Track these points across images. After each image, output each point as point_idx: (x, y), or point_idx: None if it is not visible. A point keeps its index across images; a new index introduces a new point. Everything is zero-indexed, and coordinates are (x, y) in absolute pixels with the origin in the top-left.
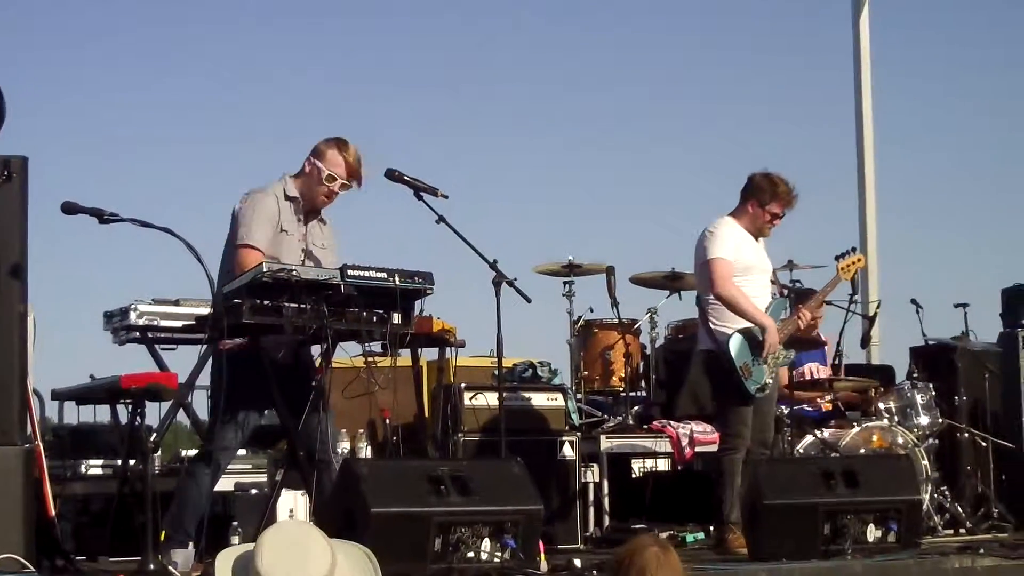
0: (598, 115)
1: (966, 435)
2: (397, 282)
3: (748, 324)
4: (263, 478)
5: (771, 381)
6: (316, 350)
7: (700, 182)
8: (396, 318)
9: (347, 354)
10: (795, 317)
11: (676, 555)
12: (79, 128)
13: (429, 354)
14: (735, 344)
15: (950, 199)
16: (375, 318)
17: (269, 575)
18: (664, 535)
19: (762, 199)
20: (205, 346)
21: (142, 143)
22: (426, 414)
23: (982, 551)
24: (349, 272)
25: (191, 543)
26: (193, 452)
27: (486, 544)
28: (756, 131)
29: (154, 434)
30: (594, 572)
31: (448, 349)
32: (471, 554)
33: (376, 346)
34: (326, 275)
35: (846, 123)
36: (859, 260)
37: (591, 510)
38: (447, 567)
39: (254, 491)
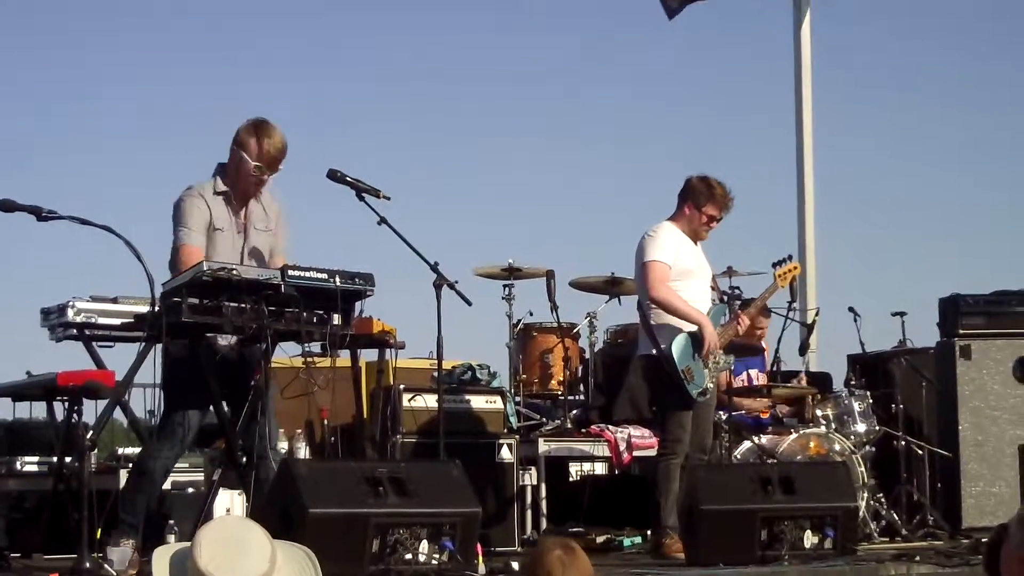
0: (541, 118)
1: (903, 443)
2: (338, 283)
3: (691, 328)
4: (200, 477)
5: (711, 386)
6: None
7: (640, 186)
8: (336, 319)
9: (286, 354)
10: (734, 323)
11: (584, 557)
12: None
13: (369, 355)
14: (677, 347)
15: (890, 208)
16: (315, 319)
17: (207, 570)
18: (601, 539)
19: (698, 201)
20: (143, 344)
21: (83, 140)
22: (365, 415)
23: (917, 558)
24: (290, 272)
25: (136, 536)
26: (130, 450)
27: (424, 546)
28: (697, 137)
29: (91, 432)
30: None
31: (388, 350)
32: (409, 556)
33: (316, 346)
34: (267, 275)
35: (786, 130)
36: (795, 268)
37: (528, 513)
38: (384, 569)
39: (191, 490)
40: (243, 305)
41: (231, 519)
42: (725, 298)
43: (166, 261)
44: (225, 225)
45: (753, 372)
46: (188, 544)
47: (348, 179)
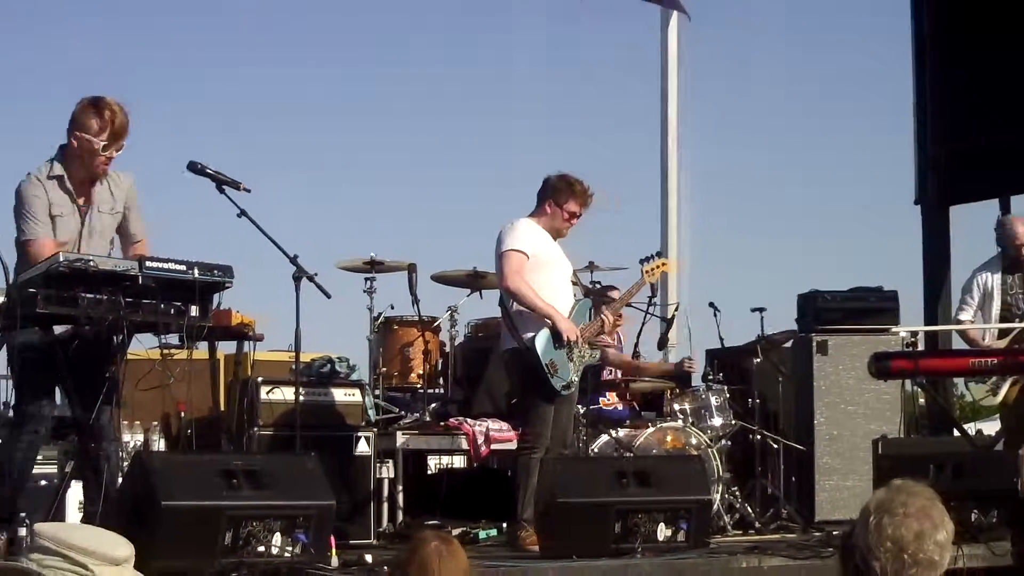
0: (404, 113)
1: (758, 437)
2: (196, 275)
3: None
4: (53, 469)
5: (575, 379)
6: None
7: (503, 182)
8: (194, 311)
9: (143, 346)
10: (599, 318)
11: (461, 549)
12: None
13: (227, 347)
14: (542, 341)
15: (752, 206)
16: (173, 310)
17: None
18: (457, 532)
19: (559, 199)
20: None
21: None
22: (222, 408)
23: (769, 551)
24: (147, 264)
25: None
26: None
27: (277, 538)
28: (561, 134)
29: None
30: (384, 568)
31: (246, 343)
32: (262, 548)
33: (173, 338)
34: (124, 266)
35: (651, 127)
36: (664, 264)
37: (385, 506)
38: (237, 561)
39: (43, 482)
40: (100, 296)
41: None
42: (589, 293)
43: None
44: (64, 210)
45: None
46: None
47: (208, 171)
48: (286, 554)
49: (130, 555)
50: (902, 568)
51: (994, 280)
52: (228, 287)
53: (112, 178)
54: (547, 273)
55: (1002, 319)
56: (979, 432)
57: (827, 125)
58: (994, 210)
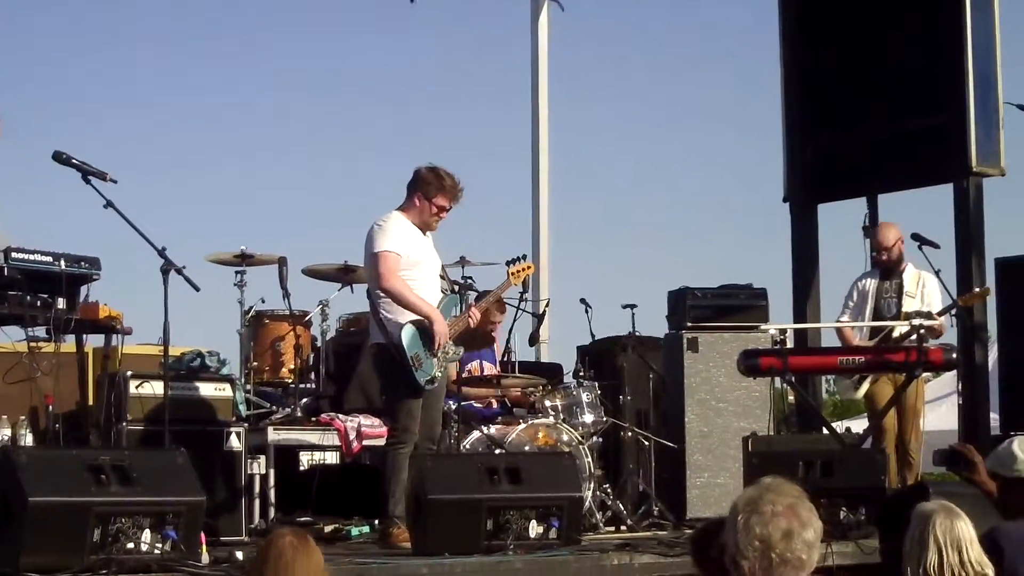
0: (274, 106)
1: (630, 434)
2: (63, 266)
3: (419, 317)
4: None
5: (440, 375)
6: None
7: (373, 175)
8: (61, 303)
9: (9, 338)
10: (466, 315)
11: (314, 545)
12: None
13: (95, 341)
14: (407, 335)
15: (623, 204)
16: (39, 302)
17: None
18: (329, 529)
19: (428, 192)
20: None
21: None
22: (90, 402)
23: (641, 548)
24: (13, 255)
25: None
26: None
27: (147, 535)
28: (432, 128)
29: None
30: (242, 567)
31: (114, 336)
32: (131, 545)
33: (40, 331)
34: None
35: (523, 125)
36: (529, 267)
37: (256, 502)
38: (106, 558)
39: None
40: None
41: None
42: (457, 288)
43: None
44: None
45: (485, 363)
46: None
47: (74, 161)
48: (156, 551)
49: None
50: (770, 567)
51: (871, 285)
52: (96, 279)
53: None
54: (417, 270)
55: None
56: (847, 430)
57: (701, 122)
58: (863, 208)
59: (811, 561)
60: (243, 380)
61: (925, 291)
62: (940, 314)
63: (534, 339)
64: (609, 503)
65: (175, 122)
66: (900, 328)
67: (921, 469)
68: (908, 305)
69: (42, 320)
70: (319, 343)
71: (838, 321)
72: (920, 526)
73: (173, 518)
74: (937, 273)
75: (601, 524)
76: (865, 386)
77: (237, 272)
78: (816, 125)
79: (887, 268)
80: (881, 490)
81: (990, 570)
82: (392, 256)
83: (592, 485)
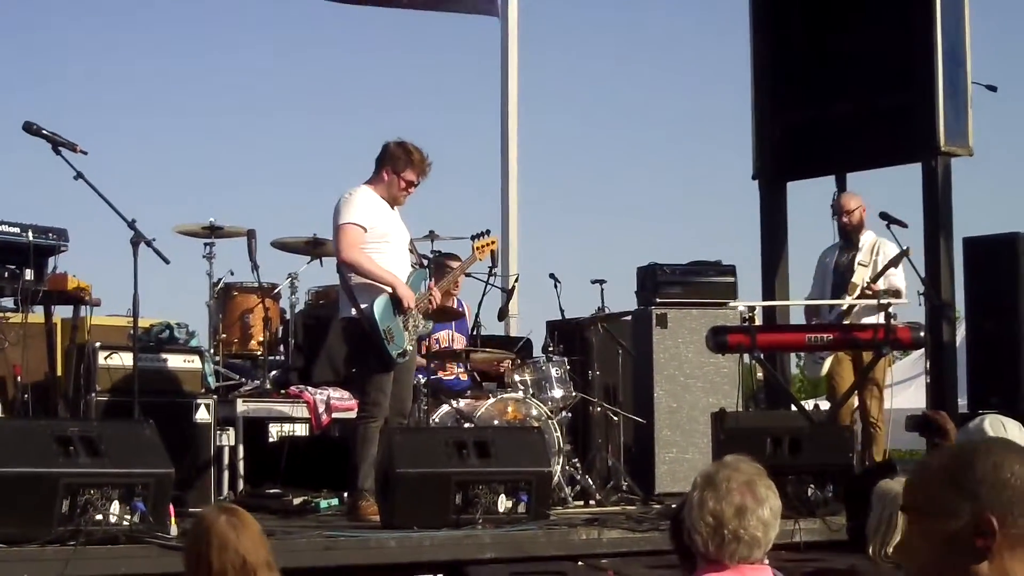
0: (244, 79)
1: (599, 409)
2: (30, 237)
3: (386, 288)
4: None
5: (411, 348)
6: None
7: (342, 149)
8: (29, 274)
9: None
10: (428, 295)
11: (249, 516)
12: None
13: (64, 312)
14: (379, 307)
15: (592, 179)
16: (7, 273)
17: None
18: (298, 501)
19: (396, 166)
20: None
21: None
22: (59, 373)
23: (609, 523)
24: None
25: None
26: None
27: (115, 507)
28: (402, 102)
29: None
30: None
31: (83, 307)
32: (100, 516)
33: (8, 302)
34: None
35: (492, 99)
36: (493, 242)
37: (226, 474)
38: (74, 529)
39: None
40: None
41: None
42: (426, 263)
43: None
44: None
45: (454, 334)
46: None
47: (44, 132)
48: (124, 523)
49: None
50: (723, 543)
51: (832, 258)
52: (64, 251)
53: None
54: (385, 243)
55: (833, 295)
56: (816, 407)
57: (673, 98)
58: (832, 187)
59: (767, 539)
60: (212, 352)
61: (878, 259)
62: (885, 269)
63: (503, 314)
64: (578, 478)
65: (142, 92)
66: (852, 301)
67: (888, 445)
68: (858, 274)
69: (9, 291)
70: (288, 316)
71: (807, 299)
72: (888, 507)
73: (142, 490)
74: (906, 251)
75: (570, 499)
76: (826, 365)
77: (206, 244)
78: (785, 103)
79: (848, 236)
80: (849, 467)
81: None
82: (355, 228)
83: (561, 460)
